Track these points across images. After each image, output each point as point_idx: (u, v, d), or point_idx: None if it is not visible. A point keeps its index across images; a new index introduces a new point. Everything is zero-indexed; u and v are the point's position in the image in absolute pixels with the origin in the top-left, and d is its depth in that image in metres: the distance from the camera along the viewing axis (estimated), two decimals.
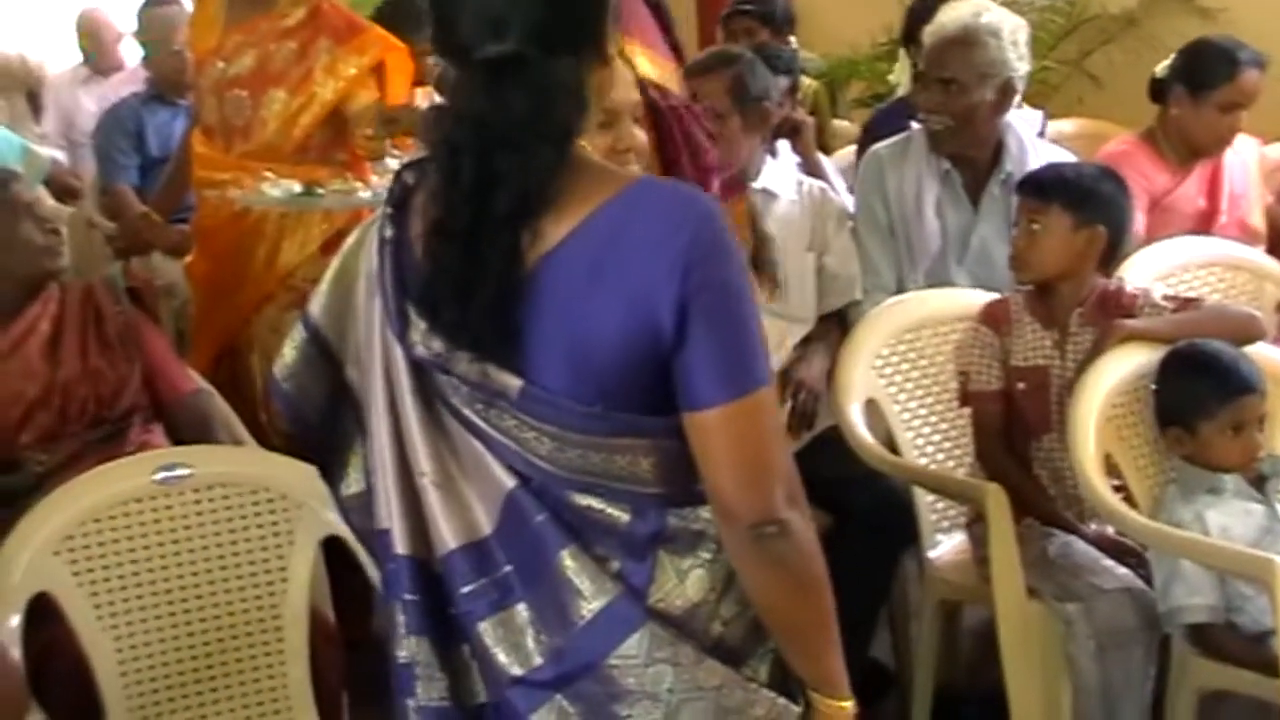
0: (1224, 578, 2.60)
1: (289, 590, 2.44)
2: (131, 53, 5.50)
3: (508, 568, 1.57)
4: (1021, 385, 2.90)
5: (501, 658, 1.57)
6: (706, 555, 1.58)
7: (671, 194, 1.57)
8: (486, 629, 1.57)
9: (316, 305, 1.71)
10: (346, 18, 3.70)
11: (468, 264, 1.52)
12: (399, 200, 1.63)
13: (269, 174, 3.53)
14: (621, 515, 1.56)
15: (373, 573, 1.78)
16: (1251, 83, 3.63)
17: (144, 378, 2.93)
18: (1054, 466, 2.88)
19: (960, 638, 3.21)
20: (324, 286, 1.71)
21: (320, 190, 3.49)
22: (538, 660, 1.56)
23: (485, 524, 1.57)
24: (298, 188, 3.49)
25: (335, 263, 1.71)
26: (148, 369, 2.93)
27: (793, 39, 4.63)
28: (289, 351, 1.72)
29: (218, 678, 2.44)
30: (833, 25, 5.78)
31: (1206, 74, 3.63)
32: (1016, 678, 2.75)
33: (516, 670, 1.57)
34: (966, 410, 3.02)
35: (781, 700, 1.61)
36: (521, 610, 1.57)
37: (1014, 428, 2.92)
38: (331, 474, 1.74)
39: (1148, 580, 2.71)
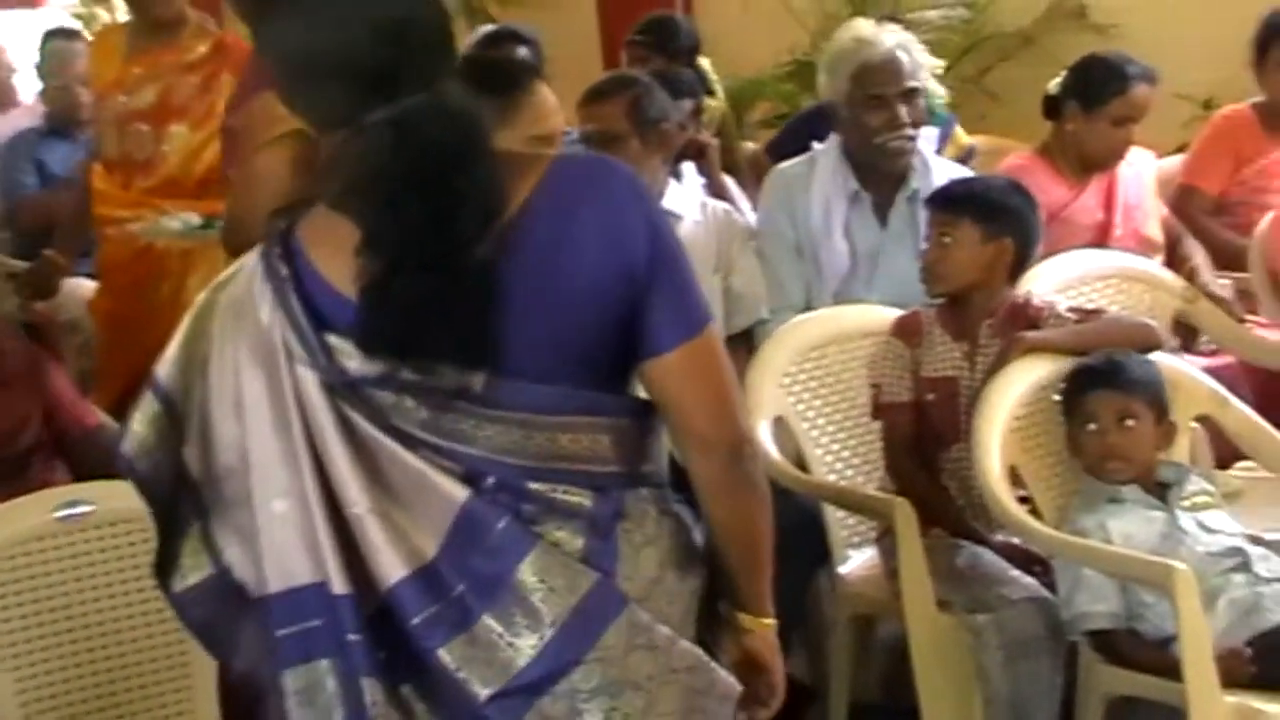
0: (1126, 585, 2.64)
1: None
2: (28, 88, 5.42)
3: (460, 587, 1.56)
4: (931, 396, 2.94)
5: (473, 683, 1.55)
6: (650, 532, 1.64)
7: (599, 159, 1.79)
8: (449, 653, 1.56)
9: (166, 372, 1.65)
10: (250, 52, 3.67)
11: (442, 289, 1.54)
12: (281, 242, 1.62)
13: (167, 208, 3.49)
14: (583, 498, 1.61)
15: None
16: (1142, 96, 3.71)
17: (45, 414, 2.88)
18: (963, 476, 2.92)
19: (874, 652, 3.24)
20: (174, 351, 1.66)
21: (219, 222, 3.45)
22: (520, 662, 1.55)
23: (430, 547, 1.57)
24: (196, 220, 3.45)
25: (185, 325, 1.67)
26: (49, 405, 2.89)
27: (704, 61, 4.65)
28: (140, 427, 1.65)
29: (125, 717, 2.39)
30: (737, 47, 5.82)
31: (1098, 89, 3.72)
32: (929, 689, 2.78)
33: (491, 688, 1.55)
34: (875, 426, 3.05)
35: (730, 678, 1.67)
36: (487, 623, 1.56)
37: (924, 438, 2.96)
38: (163, 568, 1.68)
39: (1054, 589, 2.75)
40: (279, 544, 1.59)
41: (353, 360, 1.57)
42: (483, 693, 1.56)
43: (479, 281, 1.55)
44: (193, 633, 1.72)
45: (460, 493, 1.57)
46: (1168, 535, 2.68)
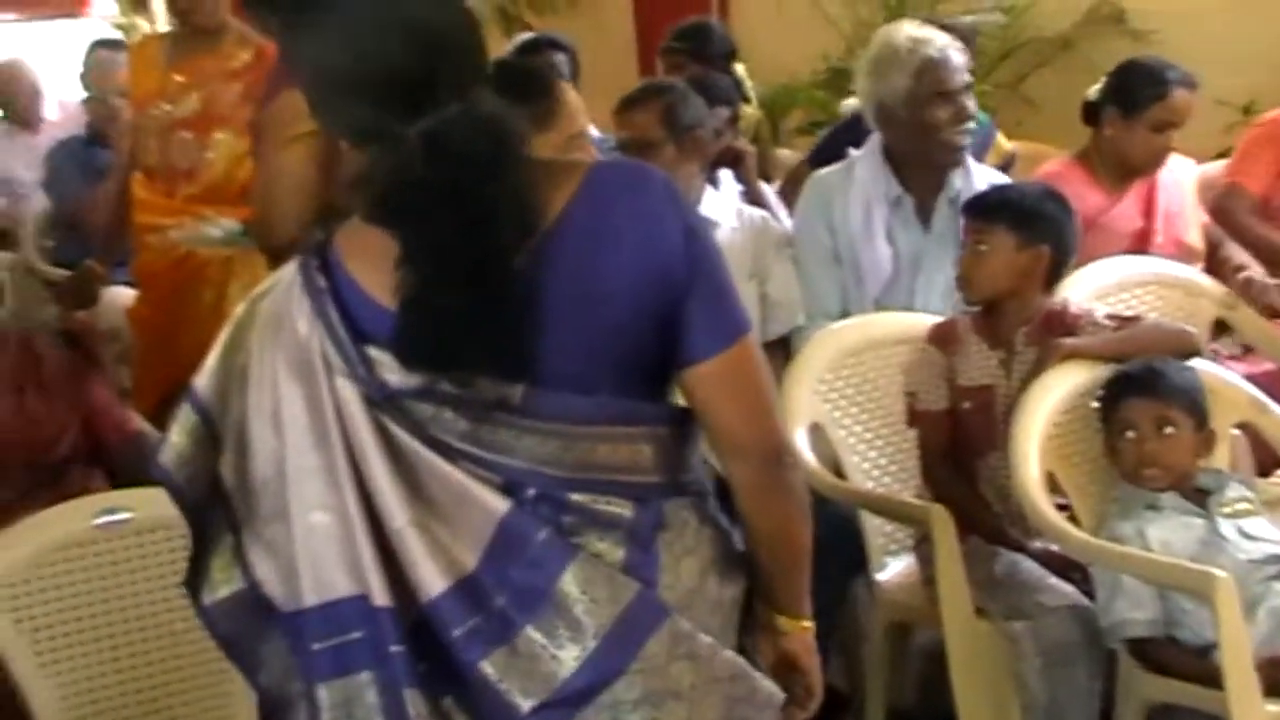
0: (1164, 592, 2.62)
1: None
2: (73, 97, 5.49)
3: (502, 599, 1.56)
4: (967, 405, 2.93)
5: (514, 694, 1.56)
6: (690, 542, 1.64)
7: (637, 165, 1.78)
8: (490, 665, 1.56)
9: (204, 384, 1.66)
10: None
11: (480, 300, 1.54)
12: (319, 253, 1.63)
13: (209, 214, 3.51)
14: (623, 508, 1.61)
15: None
16: (1182, 102, 3.69)
17: (85, 422, 2.90)
18: (1000, 485, 2.90)
19: (910, 659, 3.22)
20: (212, 363, 1.67)
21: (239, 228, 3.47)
22: (564, 674, 1.56)
23: (470, 559, 1.57)
24: (237, 226, 3.47)
25: (224, 337, 1.68)
26: (88, 413, 2.92)
27: (739, 67, 4.65)
28: (179, 438, 1.65)
29: None
30: (771, 54, 5.83)
31: (1137, 95, 3.70)
32: (966, 697, 2.77)
33: (532, 700, 1.56)
34: (912, 433, 3.04)
35: (773, 686, 1.68)
36: (529, 634, 1.56)
37: (960, 447, 2.95)
38: (194, 581, 1.69)
39: (1093, 597, 2.73)
40: (317, 557, 1.59)
41: (392, 373, 1.58)
42: (525, 704, 1.56)
43: (516, 293, 1.55)
44: (220, 646, 1.73)
45: (500, 505, 1.57)
46: (1207, 542, 2.66)
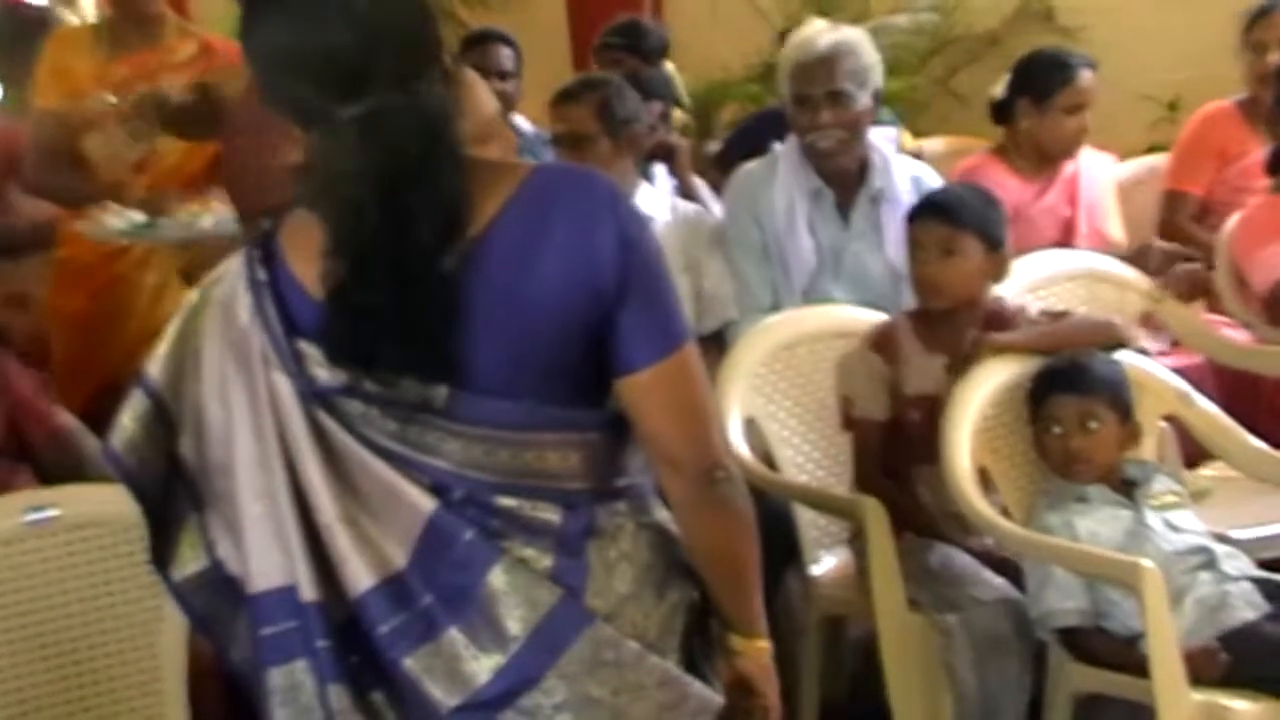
0: (1093, 583, 2.65)
1: (165, 629, 2.39)
2: None
3: (429, 598, 1.56)
4: (916, 415, 2.90)
5: (436, 692, 1.56)
6: (626, 547, 1.63)
7: (580, 172, 1.69)
8: (414, 664, 1.56)
9: (156, 369, 1.67)
10: (237, 53, 3.64)
11: (401, 298, 1.53)
12: (262, 244, 1.63)
13: (114, 206, 3.45)
14: (551, 514, 1.59)
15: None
16: (1088, 82, 3.78)
17: (9, 418, 2.86)
18: (940, 490, 2.86)
19: (844, 652, 3.25)
20: (164, 349, 1.67)
21: (159, 221, 3.40)
22: (482, 679, 1.55)
23: (399, 557, 1.57)
24: (141, 219, 3.40)
25: (176, 324, 1.68)
26: (12, 409, 2.87)
27: (668, 65, 4.67)
28: (129, 423, 1.66)
29: None
30: (705, 49, 5.83)
31: (1046, 82, 3.77)
32: (898, 689, 2.79)
33: (455, 699, 1.56)
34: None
35: (708, 692, 1.65)
36: (453, 635, 1.56)
37: (901, 454, 2.93)
38: (161, 557, 1.69)
39: (1025, 590, 2.75)
40: (258, 545, 1.60)
41: (321, 368, 1.58)
42: (445, 704, 1.56)
43: (441, 294, 1.54)
44: (192, 621, 1.73)
45: (428, 504, 1.57)
46: (1134, 533, 2.70)
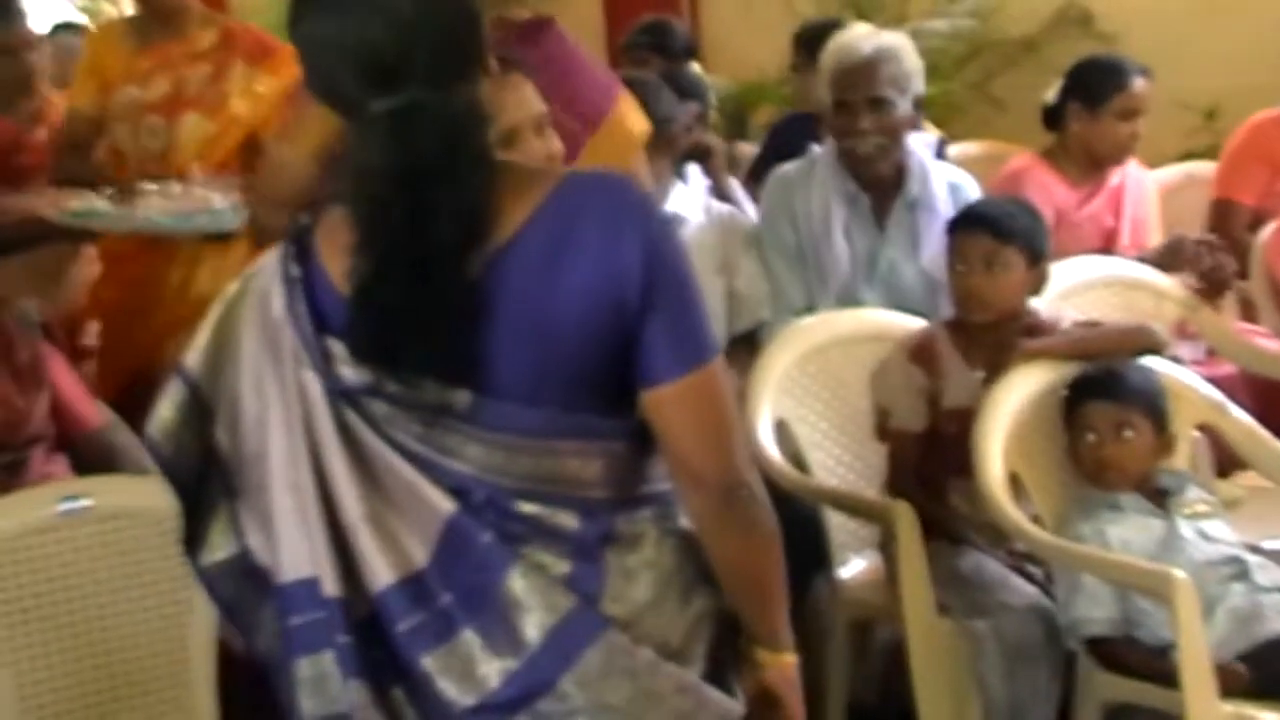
0: (1124, 592, 2.64)
1: (194, 620, 2.41)
2: None
3: (447, 597, 1.57)
4: (953, 428, 2.87)
5: (451, 691, 1.56)
6: (649, 555, 1.62)
7: (614, 180, 1.65)
8: (432, 662, 1.56)
9: (195, 359, 1.68)
10: (258, 38, 3.67)
11: (423, 299, 1.54)
12: (297, 240, 1.64)
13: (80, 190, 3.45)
14: (570, 520, 1.59)
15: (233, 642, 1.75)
16: (1141, 89, 3.77)
17: (51, 410, 2.89)
18: (977, 502, 2.84)
19: (872, 656, 3.24)
20: (203, 338, 1.69)
21: (100, 209, 3.32)
22: (494, 683, 1.56)
23: (420, 556, 1.58)
24: (99, 203, 3.37)
25: (215, 312, 1.69)
26: (55, 401, 2.90)
27: (695, 65, 4.66)
28: (166, 411, 1.68)
29: (123, 711, 2.40)
30: (740, 49, 5.83)
31: (1099, 86, 3.77)
32: (926, 695, 2.78)
33: (469, 700, 1.56)
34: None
35: (729, 701, 1.65)
36: (469, 636, 1.57)
37: (937, 465, 2.91)
38: (192, 542, 1.71)
39: (1055, 599, 2.75)
40: (288, 536, 1.61)
41: (348, 368, 1.58)
42: (460, 704, 1.56)
43: (462, 297, 1.54)
44: (219, 608, 1.74)
45: (447, 506, 1.57)
46: (1166, 543, 2.68)
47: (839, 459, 3.16)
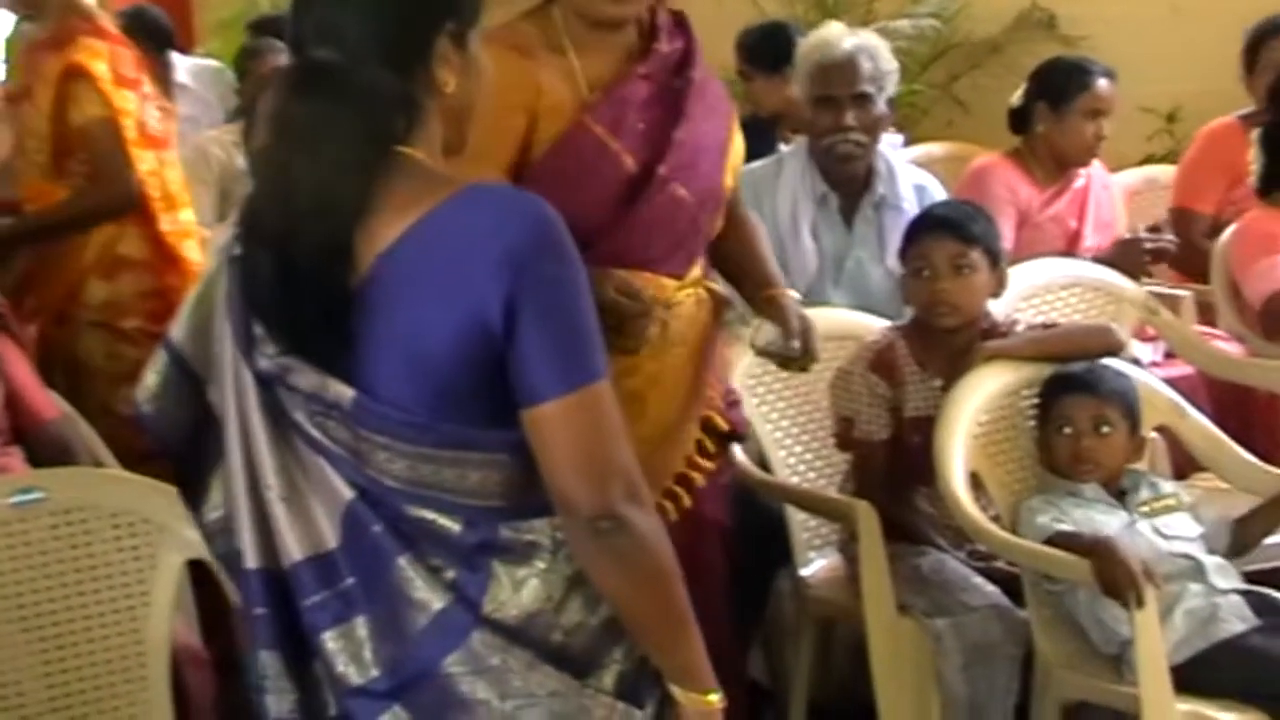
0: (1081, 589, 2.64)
1: (151, 616, 2.39)
2: None
3: (350, 580, 1.59)
4: (916, 438, 2.87)
5: (341, 667, 1.59)
6: (541, 565, 1.60)
7: (499, 195, 1.62)
8: (329, 639, 1.59)
9: (178, 329, 1.71)
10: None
11: (286, 266, 1.55)
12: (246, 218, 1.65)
13: None
14: (453, 526, 1.59)
15: (234, 596, 1.75)
16: (1107, 89, 3.80)
17: (5, 401, 2.85)
18: (943, 508, 2.85)
19: (834, 654, 3.24)
20: (185, 310, 1.71)
21: None
22: (374, 671, 1.58)
23: (330, 537, 1.60)
24: None
25: (198, 287, 1.71)
26: (9, 393, 2.86)
27: None
28: (150, 376, 1.71)
29: (75, 706, 2.37)
30: (708, 50, 5.81)
31: (1064, 87, 3.79)
32: (887, 692, 2.78)
33: (356, 680, 1.59)
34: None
35: (622, 705, 1.62)
36: (361, 624, 1.59)
37: (901, 473, 2.91)
38: (195, 499, 1.73)
39: (1015, 598, 2.76)
40: (235, 499, 1.64)
41: (265, 351, 1.60)
42: (348, 683, 1.59)
43: (337, 292, 1.55)
44: (218, 561, 1.74)
45: (347, 492, 1.59)
46: (1125, 536, 2.69)
47: (801, 458, 3.16)
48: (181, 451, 1.72)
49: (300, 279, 1.55)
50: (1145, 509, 2.75)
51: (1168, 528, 2.74)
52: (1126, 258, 3.70)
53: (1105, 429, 2.75)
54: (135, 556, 2.41)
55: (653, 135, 2.46)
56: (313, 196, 1.54)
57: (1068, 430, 2.77)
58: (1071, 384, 2.79)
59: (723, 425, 2.63)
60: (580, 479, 1.55)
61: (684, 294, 2.54)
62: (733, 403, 2.70)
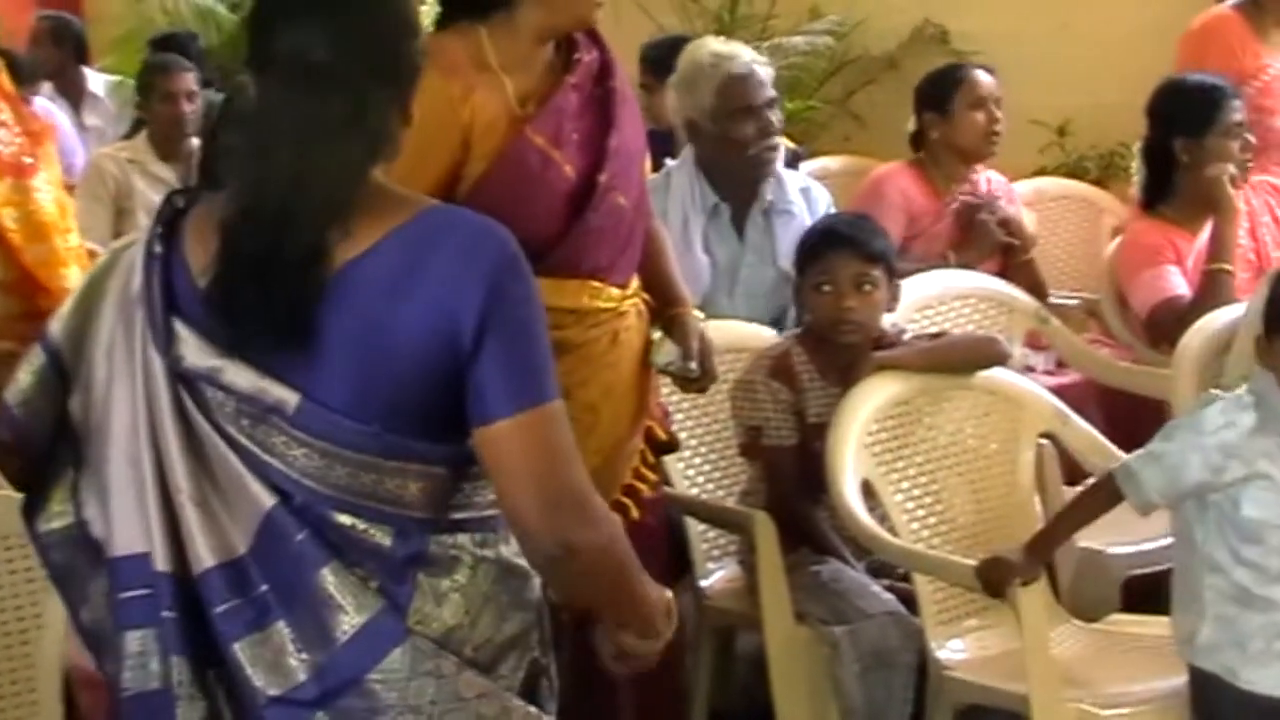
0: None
1: (43, 638, 2.36)
2: None
3: (264, 587, 1.59)
4: (818, 443, 2.88)
5: (257, 679, 1.58)
6: (461, 579, 1.63)
7: (470, 216, 1.66)
8: (242, 649, 1.59)
9: (58, 327, 1.69)
10: None
11: (264, 262, 1.56)
12: (169, 220, 1.66)
13: None
14: (383, 538, 1.60)
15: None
16: (984, 80, 3.95)
17: None
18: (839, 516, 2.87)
19: (735, 663, 3.27)
20: (68, 307, 1.70)
21: None
22: (301, 677, 1.58)
23: (240, 543, 1.60)
24: None
25: (82, 283, 1.71)
26: None
27: None
28: (24, 376, 1.69)
29: None
30: None
31: (942, 89, 3.95)
32: (785, 700, 2.82)
33: (274, 690, 1.58)
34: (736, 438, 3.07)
35: (534, 709, 1.67)
36: (281, 628, 1.59)
37: (810, 479, 2.92)
38: (32, 507, 1.71)
39: (910, 605, 2.80)
40: (123, 509, 1.63)
41: (190, 352, 1.60)
42: (264, 694, 1.59)
43: (301, 299, 1.56)
44: (50, 575, 1.73)
45: (268, 499, 1.60)
46: None
47: (698, 469, 3.18)
48: (39, 457, 1.70)
49: (277, 274, 1.56)
50: None
51: None
52: (980, 238, 3.84)
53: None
54: (28, 578, 2.37)
55: (587, 144, 2.48)
56: (305, 193, 1.56)
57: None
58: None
59: (662, 435, 2.66)
60: (532, 504, 1.57)
61: (628, 303, 2.57)
62: (665, 413, 2.72)
